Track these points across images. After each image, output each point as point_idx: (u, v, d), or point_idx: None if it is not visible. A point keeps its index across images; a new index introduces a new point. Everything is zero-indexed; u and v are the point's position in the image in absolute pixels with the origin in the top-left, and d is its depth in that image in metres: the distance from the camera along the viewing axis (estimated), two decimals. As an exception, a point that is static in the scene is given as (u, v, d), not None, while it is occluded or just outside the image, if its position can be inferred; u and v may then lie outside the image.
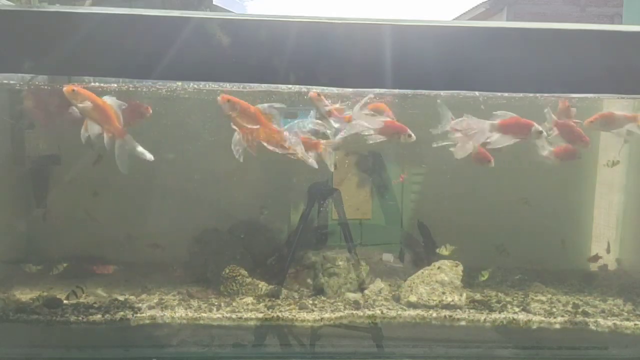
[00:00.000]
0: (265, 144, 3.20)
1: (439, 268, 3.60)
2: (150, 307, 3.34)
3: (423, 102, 3.57)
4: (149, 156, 3.15)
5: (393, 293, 3.62)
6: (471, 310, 3.39)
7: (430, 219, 4.12)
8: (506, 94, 3.35)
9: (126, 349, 3.19)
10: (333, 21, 2.74)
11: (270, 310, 3.35)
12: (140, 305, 3.37)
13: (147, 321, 3.22)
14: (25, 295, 3.50)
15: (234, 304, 3.43)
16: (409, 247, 4.17)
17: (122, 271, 3.98)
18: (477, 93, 3.44)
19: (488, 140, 3.39)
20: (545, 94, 3.32)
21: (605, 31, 2.94)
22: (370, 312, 3.34)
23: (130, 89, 3.44)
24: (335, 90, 3.29)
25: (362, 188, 4.26)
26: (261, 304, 3.43)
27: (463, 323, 3.30)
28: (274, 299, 3.49)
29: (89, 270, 3.87)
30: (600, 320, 3.31)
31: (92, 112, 3.08)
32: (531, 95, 3.29)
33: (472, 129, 3.36)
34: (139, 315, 3.23)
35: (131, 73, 2.94)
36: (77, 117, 3.17)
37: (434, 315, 3.33)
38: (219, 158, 3.83)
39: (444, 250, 3.87)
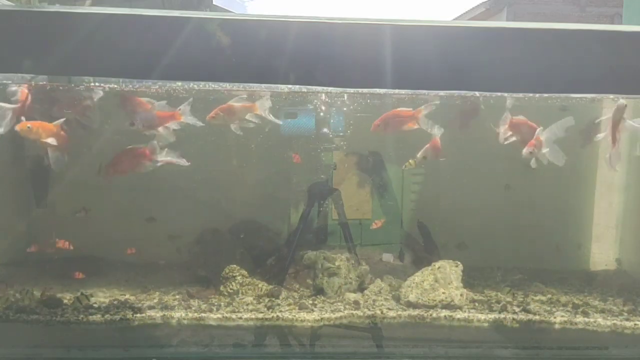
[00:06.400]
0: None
1: (439, 268, 3.59)
2: (150, 307, 3.34)
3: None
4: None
5: (393, 293, 3.61)
6: (471, 310, 3.40)
7: (430, 219, 4.12)
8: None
9: (126, 349, 3.18)
10: (333, 21, 2.73)
11: (270, 310, 3.34)
12: (140, 305, 3.37)
13: (147, 321, 3.22)
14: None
15: (234, 304, 3.42)
16: (409, 247, 4.17)
17: (122, 271, 3.99)
18: (477, 93, 3.44)
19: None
20: (545, 94, 3.31)
21: (605, 31, 2.94)
22: (370, 312, 3.34)
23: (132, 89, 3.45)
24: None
25: (362, 188, 4.26)
26: (261, 304, 3.43)
27: (463, 323, 3.30)
28: (274, 299, 3.48)
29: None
30: (600, 320, 3.31)
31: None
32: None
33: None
34: (138, 315, 3.23)
35: (131, 73, 2.94)
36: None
37: (434, 315, 3.33)
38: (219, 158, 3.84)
39: None
